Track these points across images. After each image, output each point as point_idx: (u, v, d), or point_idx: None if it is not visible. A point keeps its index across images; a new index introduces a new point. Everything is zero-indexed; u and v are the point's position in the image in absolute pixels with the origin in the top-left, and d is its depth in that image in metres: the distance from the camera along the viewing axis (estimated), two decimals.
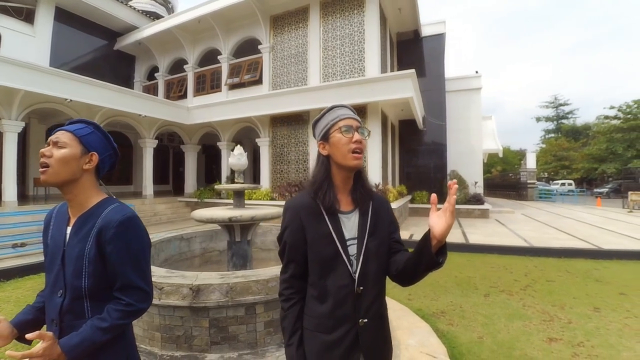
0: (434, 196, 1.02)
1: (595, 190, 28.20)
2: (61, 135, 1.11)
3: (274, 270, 2.32)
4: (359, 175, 1.24)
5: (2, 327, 1.05)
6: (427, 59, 14.34)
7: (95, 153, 1.16)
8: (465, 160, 14.65)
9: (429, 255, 1.01)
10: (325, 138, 1.21)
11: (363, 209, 1.20)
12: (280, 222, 1.29)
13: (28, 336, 0.97)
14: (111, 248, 1.07)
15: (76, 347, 0.99)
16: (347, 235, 1.17)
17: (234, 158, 3.07)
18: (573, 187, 29.51)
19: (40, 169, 1.09)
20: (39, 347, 0.94)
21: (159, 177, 17.39)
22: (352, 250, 1.16)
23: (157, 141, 12.94)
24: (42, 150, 1.09)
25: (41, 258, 5.10)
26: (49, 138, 1.12)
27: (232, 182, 12.69)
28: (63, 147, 1.09)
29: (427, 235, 1.01)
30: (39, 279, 5.56)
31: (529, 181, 20.03)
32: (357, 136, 1.15)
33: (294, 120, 11.62)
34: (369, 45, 10.61)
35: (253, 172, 18.04)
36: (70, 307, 1.07)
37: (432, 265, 1.03)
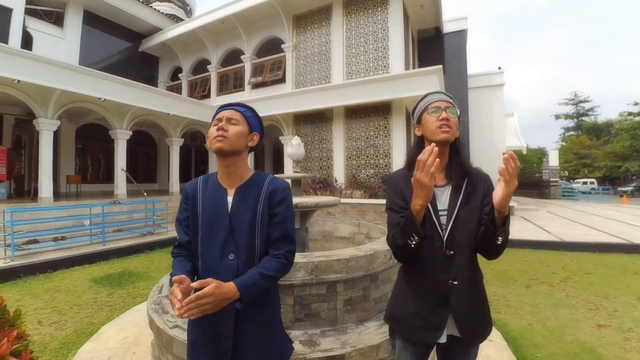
0: (500, 165, 1.10)
1: (619, 188, 27.53)
2: (233, 114, 1.26)
3: (352, 251, 2.45)
4: (455, 152, 1.36)
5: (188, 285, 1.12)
6: (448, 56, 14.25)
7: (257, 133, 1.33)
8: (488, 157, 14.43)
9: (490, 223, 1.17)
10: (418, 121, 1.39)
11: (456, 183, 1.32)
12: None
13: (193, 285, 1.04)
14: (280, 208, 1.24)
15: (248, 289, 1.10)
16: (439, 206, 1.31)
17: (293, 148, 3.21)
18: (595, 185, 28.85)
19: (218, 138, 1.21)
20: (209, 288, 1.01)
21: (182, 175, 17.75)
22: (444, 219, 1.30)
23: (183, 140, 13.22)
24: (221, 124, 1.22)
25: (81, 251, 5.42)
26: (221, 114, 1.27)
27: None
28: (237, 124, 1.25)
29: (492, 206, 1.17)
30: (84, 270, 5.83)
31: (551, 179, 19.72)
32: (444, 114, 1.29)
33: (318, 118, 11.75)
34: (393, 42, 10.65)
35: (274, 170, 18.28)
36: (245, 267, 1.18)
37: (490, 234, 1.17)
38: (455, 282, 1.26)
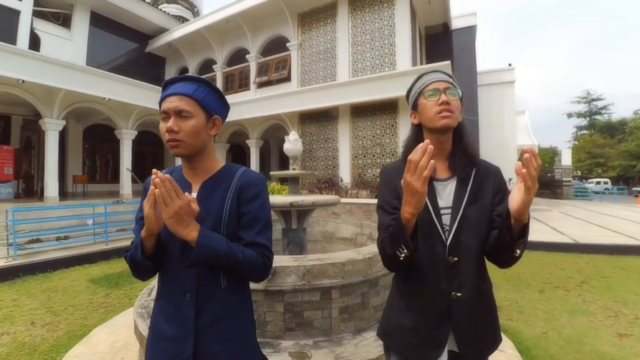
0: (518, 164, 0.89)
1: (634, 188, 26.77)
2: (182, 103, 0.99)
3: (349, 254, 2.25)
4: (459, 140, 1.17)
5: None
6: (457, 52, 13.92)
7: (218, 117, 1.08)
8: (499, 156, 14.02)
9: (506, 232, 0.96)
10: (414, 107, 1.20)
11: (462, 175, 1.12)
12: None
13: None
14: (252, 206, 1.05)
15: (209, 239, 0.93)
16: (441, 204, 1.11)
17: (290, 143, 3.05)
18: (609, 185, 28.06)
19: (171, 144, 1.00)
20: (187, 196, 0.91)
21: None
22: (446, 219, 1.10)
23: None
24: (169, 125, 0.98)
25: (83, 250, 5.32)
26: (167, 107, 1.00)
27: None
28: (189, 117, 1.00)
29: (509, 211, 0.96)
30: (84, 269, 5.78)
31: (564, 179, 19.22)
32: (443, 97, 1.10)
33: (323, 117, 11.57)
34: (400, 39, 10.41)
35: (279, 169, 18.16)
36: (207, 276, 1.00)
37: (507, 246, 0.97)
38: (460, 294, 1.06)
